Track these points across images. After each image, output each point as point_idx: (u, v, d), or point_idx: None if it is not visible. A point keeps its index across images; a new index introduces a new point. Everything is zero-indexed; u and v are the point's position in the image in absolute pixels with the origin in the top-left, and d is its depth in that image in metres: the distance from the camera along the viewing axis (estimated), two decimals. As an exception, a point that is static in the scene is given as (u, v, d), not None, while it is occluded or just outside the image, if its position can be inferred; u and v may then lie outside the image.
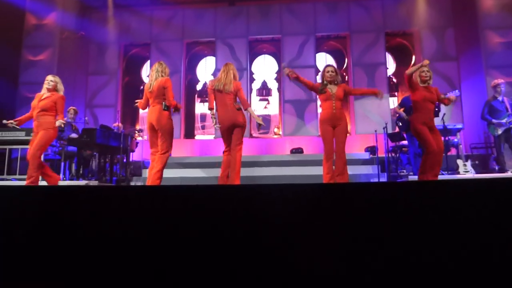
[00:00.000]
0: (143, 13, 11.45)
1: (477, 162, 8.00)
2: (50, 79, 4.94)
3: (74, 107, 7.80)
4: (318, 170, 7.37)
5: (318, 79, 5.51)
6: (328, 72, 4.92)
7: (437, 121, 6.81)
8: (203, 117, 11.64)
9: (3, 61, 8.98)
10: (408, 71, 4.84)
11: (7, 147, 6.77)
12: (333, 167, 4.79)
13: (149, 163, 4.78)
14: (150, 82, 4.72)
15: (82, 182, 6.63)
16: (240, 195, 2.13)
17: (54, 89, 4.94)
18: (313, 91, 5.19)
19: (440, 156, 4.71)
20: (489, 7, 9.38)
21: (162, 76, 4.72)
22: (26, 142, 6.57)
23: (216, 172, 7.72)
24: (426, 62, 4.89)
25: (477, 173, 6.85)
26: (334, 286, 1.91)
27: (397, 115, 6.85)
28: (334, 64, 11.23)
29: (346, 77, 11.19)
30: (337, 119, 4.81)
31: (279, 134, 11.08)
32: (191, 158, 9.42)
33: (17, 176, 6.71)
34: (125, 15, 11.43)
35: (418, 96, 4.81)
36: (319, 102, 10.83)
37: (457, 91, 7.18)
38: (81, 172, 7.46)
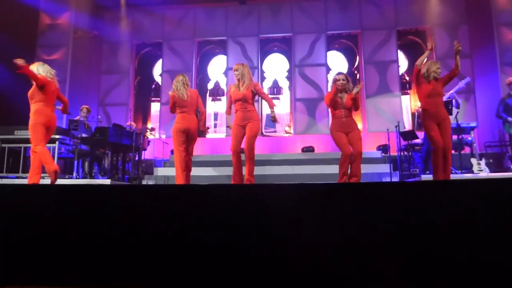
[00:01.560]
0: (155, 12, 11.52)
1: (491, 160, 7.88)
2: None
3: (87, 106, 7.88)
4: (329, 169, 7.37)
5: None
6: (339, 80, 4.86)
7: (451, 119, 6.78)
8: (216, 115, 11.66)
9: (18, 60, 9.10)
10: (418, 62, 4.80)
11: (22, 145, 6.86)
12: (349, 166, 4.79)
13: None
14: (182, 92, 5.01)
15: (100, 180, 6.70)
16: (252, 194, 2.14)
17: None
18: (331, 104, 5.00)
19: (448, 153, 4.64)
20: (503, 3, 9.24)
21: (188, 87, 5.10)
22: (40, 141, 6.66)
23: (227, 171, 7.76)
24: (431, 45, 4.86)
25: (491, 172, 6.75)
26: (345, 284, 1.91)
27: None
28: (346, 64, 11.29)
29: (358, 75, 11.12)
30: (347, 126, 4.83)
31: (290, 133, 11.07)
32: (202, 156, 9.45)
33: (32, 174, 6.79)
34: (137, 14, 11.52)
35: (424, 91, 4.76)
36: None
37: (468, 78, 7.11)
38: (94, 170, 7.54)
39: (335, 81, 4.90)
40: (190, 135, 5.11)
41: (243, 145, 4.96)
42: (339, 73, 4.99)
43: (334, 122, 4.92)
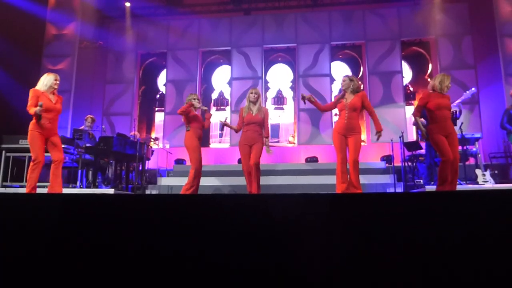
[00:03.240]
0: (160, 23, 11.62)
1: (496, 171, 7.84)
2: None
3: (92, 116, 7.91)
4: (333, 179, 7.32)
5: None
6: (343, 81, 4.87)
7: (455, 130, 6.76)
8: (221, 125, 11.66)
9: (23, 70, 9.18)
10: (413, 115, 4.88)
11: (27, 154, 6.89)
12: (348, 176, 4.69)
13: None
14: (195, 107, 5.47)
15: (103, 190, 6.70)
16: (256, 204, 2.13)
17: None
18: (335, 107, 5.01)
19: (456, 165, 4.61)
20: (507, 14, 9.26)
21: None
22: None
23: (231, 181, 7.75)
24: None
25: (496, 183, 6.71)
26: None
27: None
28: (350, 73, 11.30)
29: (362, 85, 11.13)
30: (348, 129, 4.69)
31: (294, 143, 11.06)
32: (206, 166, 9.44)
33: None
34: (142, 24, 11.62)
35: (433, 104, 4.64)
36: (334, 111, 10.87)
37: (473, 88, 7.08)
38: (97, 179, 7.55)
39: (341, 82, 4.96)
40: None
41: None
42: (344, 76, 5.01)
43: (336, 123, 4.92)
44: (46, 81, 4.78)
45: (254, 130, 5.13)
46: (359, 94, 4.78)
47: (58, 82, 4.88)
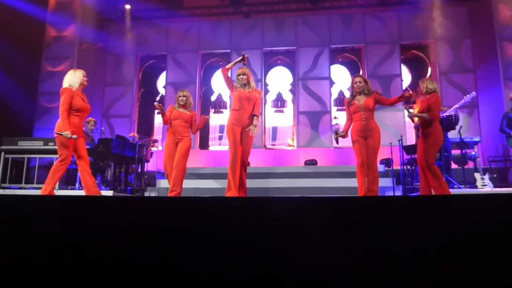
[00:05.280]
0: (159, 25, 11.64)
1: (495, 175, 7.84)
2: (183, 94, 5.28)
3: (94, 119, 7.92)
4: (332, 182, 7.35)
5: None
6: (356, 83, 4.78)
7: (454, 134, 6.77)
8: (222, 128, 11.67)
9: (23, 72, 9.19)
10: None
11: (26, 156, 6.89)
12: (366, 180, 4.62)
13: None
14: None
15: (101, 192, 6.69)
16: (254, 207, 2.12)
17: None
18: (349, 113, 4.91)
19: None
20: (507, 18, 9.29)
21: None
22: (44, 151, 6.69)
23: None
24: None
25: (495, 186, 6.71)
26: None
27: None
28: (350, 77, 11.32)
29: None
30: (368, 130, 4.65)
31: (293, 146, 11.06)
32: (205, 168, 9.45)
33: (35, 185, 6.81)
34: (142, 27, 11.63)
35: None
36: (333, 114, 10.90)
37: (473, 92, 7.07)
38: (97, 181, 7.54)
39: (352, 84, 4.84)
40: None
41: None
42: (356, 76, 4.93)
43: (353, 126, 4.78)
44: (75, 78, 4.49)
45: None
46: (372, 95, 4.75)
47: (86, 78, 4.63)
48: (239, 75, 4.76)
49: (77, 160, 4.56)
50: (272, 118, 11.48)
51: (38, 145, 6.72)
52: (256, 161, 9.53)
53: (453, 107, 6.79)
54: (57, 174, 4.33)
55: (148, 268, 2.01)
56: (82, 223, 2.15)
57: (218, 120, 11.77)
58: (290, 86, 11.58)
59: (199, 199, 2.26)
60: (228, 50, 11.46)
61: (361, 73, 11.22)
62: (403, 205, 2.09)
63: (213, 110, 11.56)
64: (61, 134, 4.22)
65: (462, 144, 6.75)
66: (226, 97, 11.68)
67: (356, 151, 4.68)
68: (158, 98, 12.09)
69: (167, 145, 5.14)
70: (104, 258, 2.07)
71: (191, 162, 10.31)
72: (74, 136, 4.24)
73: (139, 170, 7.94)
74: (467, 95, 7.05)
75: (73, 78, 4.48)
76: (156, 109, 5.23)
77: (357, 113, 4.72)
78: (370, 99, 4.70)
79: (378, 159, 9.47)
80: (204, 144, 11.51)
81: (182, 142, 5.03)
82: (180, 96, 5.21)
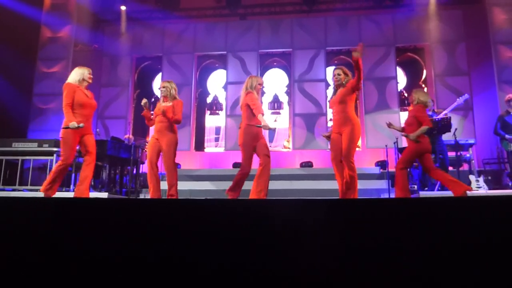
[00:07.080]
0: (155, 27, 11.61)
1: (490, 177, 7.88)
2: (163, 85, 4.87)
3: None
4: (328, 184, 7.34)
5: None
6: (335, 75, 4.40)
7: (449, 136, 6.79)
8: (218, 130, 11.66)
9: (18, 72, 9.14)
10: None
11: (20, 158, 6.84)
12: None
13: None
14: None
15: (96, 194, 6.66)
16: (250, 209, 2.12)
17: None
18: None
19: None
20: (501, 22, 9.36)
21: None
22: (38, 153, 6.64)
23: (226, 185, 7.72)
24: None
25: (490, 189, 6.73)
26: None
27: None
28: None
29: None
30: (339, 124, 4.28)
31: (288, 148, 11.06)
32: (201, 170, 9.43)
33: (29, 187, 6.76)
34: (137, 28, 11.61)
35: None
36: (329, 116, 10.92)
37: (466, 94, 7.12)
38: (92, 183, 7.50)
39: (332, 76, 4.47)
40: None
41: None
42: (335, 68, 4.49)
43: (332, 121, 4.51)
44: (80, 74, 4.43)
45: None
46: (345, 86, 4.32)
47: (91, 76, 4.54)
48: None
49: (84, 156, 4.48)
50: (268, 120, 11.47)
51: (33, 146, 6.67)
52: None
53: (447, 110, 6.84)
54: (57, 176, 4.27)
55: (146, 269, 1.99)
56: (77, 225, 2.14)
57: (212, 121, 11.76)
58: (286, 88, 11.59)
59: (196, 201, 2.25)
60: (224, 52, 11.46)
61: (356, 75, 11.24)
62: (398, 207, 2.09)
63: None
64: (68, 127, 4.14)
65: (457, 146, 6.77)
66: (222, 99, 11.67)
67: (330, 149, 4.45)
68: (153, 100, 12.06)
69: (149, 143, 5.10)
70: (99, 260, 2.05)
71: (186, 164, 10.35)
72: (81, 124, 4.16)
73: (134, 171, 7.90)
74: (460, 98, 7.09)
75: (75, 75, 4.45)
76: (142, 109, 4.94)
77: (332, 109, 4.47)
78: (342, 91, 4.30)
79: (373, 161, 9.57)
80: (199, 146, 11.49)
81: (162, 140, 4.96)
82: (160, 88, 4.92)
